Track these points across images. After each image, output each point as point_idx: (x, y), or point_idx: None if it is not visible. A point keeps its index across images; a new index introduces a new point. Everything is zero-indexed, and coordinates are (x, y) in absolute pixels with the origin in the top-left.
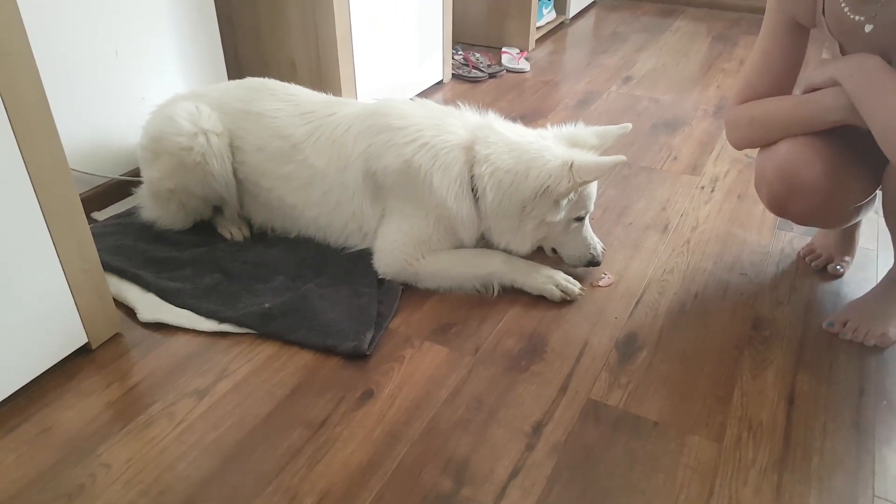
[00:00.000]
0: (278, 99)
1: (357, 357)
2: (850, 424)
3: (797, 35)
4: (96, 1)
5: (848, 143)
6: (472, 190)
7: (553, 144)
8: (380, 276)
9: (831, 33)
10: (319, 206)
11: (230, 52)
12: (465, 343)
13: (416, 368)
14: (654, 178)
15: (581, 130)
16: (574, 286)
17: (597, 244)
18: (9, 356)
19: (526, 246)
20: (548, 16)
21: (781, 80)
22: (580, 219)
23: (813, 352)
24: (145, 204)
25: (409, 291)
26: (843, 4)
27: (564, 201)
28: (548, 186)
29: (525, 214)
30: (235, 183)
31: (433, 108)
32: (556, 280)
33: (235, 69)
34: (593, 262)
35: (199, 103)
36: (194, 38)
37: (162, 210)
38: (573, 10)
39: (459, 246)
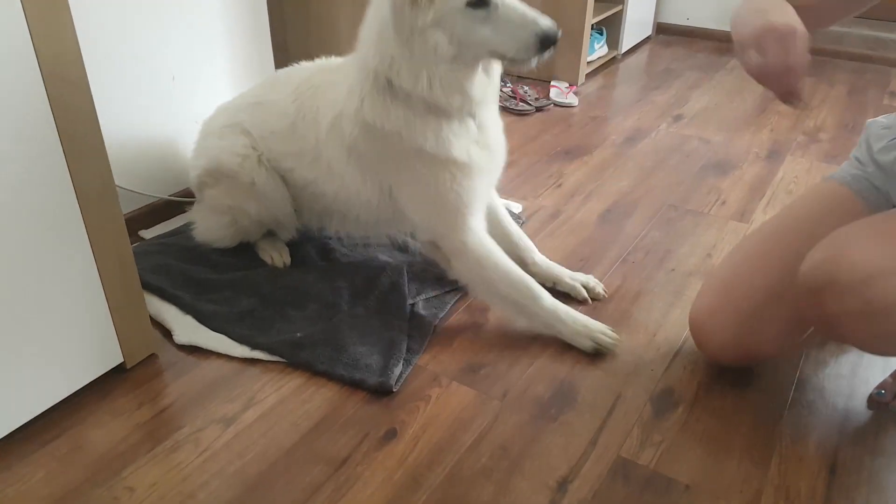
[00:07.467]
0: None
1: (383, 393)
2: (894, 499)
3: None
4: (159, 26)
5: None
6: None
7: None
8: (453, 277)
9: None
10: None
11: None
12: (493, 386)
13: (441, 409)
14: (700, 222)
15: None
16: (609, 339)
17: (538, 17)
18: (47, 371)
19: (445, 61)
20: (599, 50)
21: None
22: (482, 3)
23: (857, 420)
24: (197, 219)
25: (439, 328)
26: None
27: None
28: None
29: (410, 39)
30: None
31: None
32: (590, 333)
33: None
34: (547, 39)
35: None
36: (249, 67)
37: (215, 224)
38: (626, 45)
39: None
